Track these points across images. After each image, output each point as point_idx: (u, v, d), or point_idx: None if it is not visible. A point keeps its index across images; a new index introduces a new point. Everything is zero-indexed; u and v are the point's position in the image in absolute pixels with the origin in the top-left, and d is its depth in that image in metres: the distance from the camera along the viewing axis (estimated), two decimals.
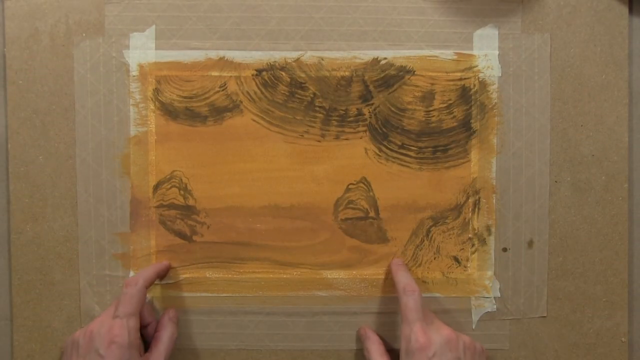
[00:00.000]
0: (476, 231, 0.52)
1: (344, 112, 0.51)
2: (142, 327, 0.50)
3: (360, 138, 0.51)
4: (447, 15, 0.51)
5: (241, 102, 0.51)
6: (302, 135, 0.51)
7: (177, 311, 0.51)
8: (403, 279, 0.48)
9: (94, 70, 0.51)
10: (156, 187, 0.52)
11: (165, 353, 0.48)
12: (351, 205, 0.52)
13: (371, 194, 0.52)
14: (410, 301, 0.46)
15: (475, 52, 0.51)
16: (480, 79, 0.51)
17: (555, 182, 0.52)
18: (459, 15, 0.51)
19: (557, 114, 0.51)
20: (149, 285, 0.48)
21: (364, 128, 0.51)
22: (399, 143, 0.52)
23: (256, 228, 0.52)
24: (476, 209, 0.52)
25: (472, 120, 0.51)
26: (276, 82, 0.51)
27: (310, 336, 0.52)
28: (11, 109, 0.51)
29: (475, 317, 0.52)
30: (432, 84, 0.51)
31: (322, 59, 0.51)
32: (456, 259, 0.52)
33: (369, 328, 0.51)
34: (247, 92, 0.51)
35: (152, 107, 0.51)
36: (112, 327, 0.45)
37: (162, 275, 0.51)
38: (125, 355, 0.44)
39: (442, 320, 0.52)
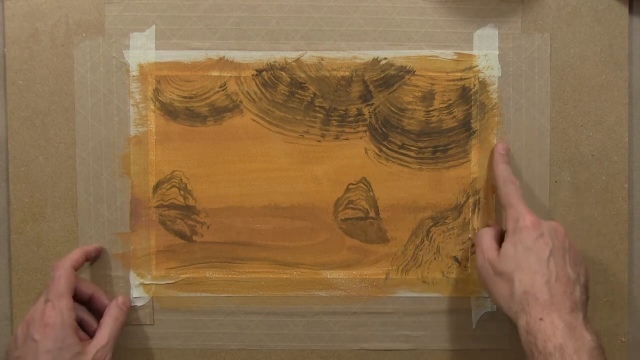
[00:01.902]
0: (476, 231, 0.52)
1: (344, 112, 0.51)
2: (83, 306, 0.49)
3: (360, 138, 0.51)
4: (447, 15, 0.51)
5: (241, 102, 0.51)
6: (302, 135, 0.51)
7: (127, 298, 0.51)
8: (504, 172, 0.49)
9: (94, 70, 0.51)
10: (156, 187, 0.52)
11: (107, 337, 0.47)
12: (351, 205, 0.52)
13: (371, 194, 0.52)
14: (511, 189, 0.47)
15: (475, 52, 0.51)
16: (480, 79, 0.51)
17: (555, 182, 0.51)
18: (459, 15, 0.51)
19: (557, 114, 0.51)
20: (78, 266, 0.48)
21: (364, 128, 0.51)
22: (399, 143, 0.52)
23: (256, 228, 0.52)
24: (476, 209, 0.52)
25: (472, 120, 0.51)
26: (276, 82, 0.51)
27: (310, 336, 0.52)
28: (11, 109, 0.51)
29: (475, 317, 0.52)
30: (432, 84, 0.51)
31: (322, 59, 0.51)
32: (456, 259, 0.52)
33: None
34: (247, 92, 0.51)
35: (152, 107, 0.51)
36: (44, 311, 0.45)
37: (92, 257, 0.50)
38: (59, 335, 0.44)
39: (442, 320, 0.52)
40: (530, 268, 0.44)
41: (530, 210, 0.46)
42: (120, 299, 0.50)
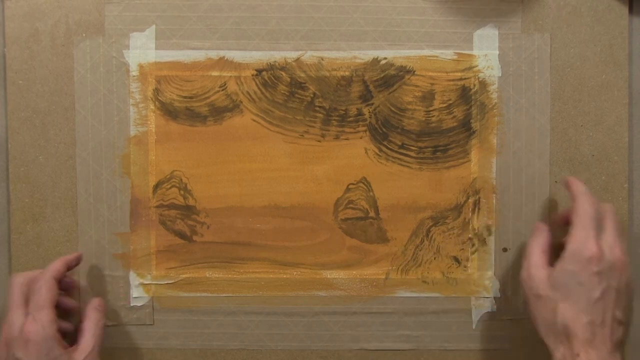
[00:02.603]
0: (476, 231, 0.52)
1: (344, 112, 0.51)
2: (66, 317, 0.49)
3: (360, 138, 0.51)
4: (447, 15, 0.51)
5: (241, 102, 0.51)
6: (302, 135, 0.51)
7: (102, 300, 0.50)
8: (584, 190, 0.45)
9: (94, 70, 0.51)
10: (156, 187, 0.52)
11: (93, 341, 0.47)
12: (351, 205, 0.52)
13: (371, 194, 0.52)
14: (591, 210, 0.44)
15: (475, 52, 0.51)
16: (480, 79, 0.51)
17: (555, 182, 0.52)
18: (459, 15, 0.51)
19: (557, 114, 0.51)
20: (58, 276, 0.46)
21: (364, 128, 0.51)
22: (399, 143, 0.52)
23: (256, 228, 0.52)
24: (476, 209, 0.52)
25: (472, 120, 0.51)
26: (276, 82, 0.51)
27: (310, 336, 0.52)
28: (11, 109, 0.51)
29: (475, 317, 0.52)
30: (432, 84, 0.51)
31: (322, 59, 0.51)
32: (456, 259, 0.52)
33: (544, 222, 0.48)
34: (247, 92, 0.51)
35: (152, 107, 0.51)
36: (24, 326, 0.43)
37: (72, 266, 0.49)
38: (43, 349, 0.43)
39: (442, 320, 0.52)
40: (577, 304, 0.42)
41: (597, 239, 0.43)
42: (96, 302, 0.49)
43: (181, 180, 0.52)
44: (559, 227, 0.48)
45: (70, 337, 0.48)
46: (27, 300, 0.45)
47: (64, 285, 0.49)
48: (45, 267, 0.51)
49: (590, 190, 0.46)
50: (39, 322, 0.44)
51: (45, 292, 0.45)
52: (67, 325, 0.49)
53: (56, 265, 0.47)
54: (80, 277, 0.51)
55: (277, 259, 0.52)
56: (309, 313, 0.52)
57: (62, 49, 0.51)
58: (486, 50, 0.51)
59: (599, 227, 0.44)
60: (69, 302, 0.49)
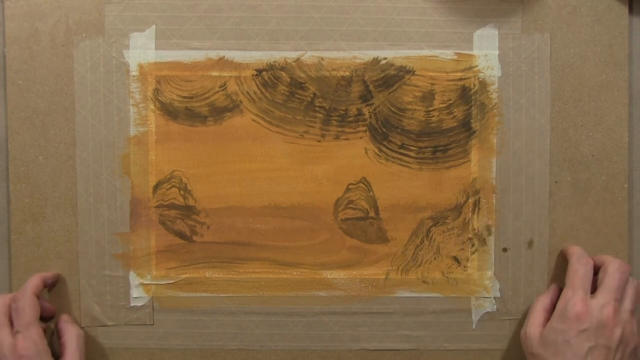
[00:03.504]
0: (476, 231, 0.52)
1: (344, 112, 0.51)
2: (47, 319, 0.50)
3: (360, 138, 0.51)
4: (447, 15, 0.51)
5: (241, 102, 0.51)
6: (302, 135, 0.51)
7: (70, 315, 0.51)
8: (579, 251, 0.48)
9: (94, 70, 0.51)
10: (156, 187, 0.52)
11: (78, 352, 0.48)
12: (351, 205, 0.52)
13: (371, 194, 0.52)
14: (581, 269, 0.46)
15: (475, 52, 0.51)
16: (480, 79, 0.51)
17: (555, 182, 0.52)
18: (459, 15, 0.51)
19: (557, 114, 0.51)
20: (38, 292, 0.48)
21: (364, 128, 0.51)
22: (399, 143, 0.52)
23: (256, 228, 0.52)
24: (476, 209, 0.52)
25: (472, 120, 0.51)
26: (276, 82, 0.51)
27: (310, 336, 0.52)
28: (11, 109, 0.51)
29: (475, 317, 0.52)
30: (432, 84, 0.51)
31: (322, 59, 0.51)
32: (456, 259, 0.52)
33: (557, 285, 0.50)
34: (247, 92, 0.51)
35: (152, 107, 0.51)
36: (16, 344, 0.45)
37: (50, 283, 0.50)
38: None
39: (442, 320, 0.52)
40: None
41: (585, 297, 0.45)
42: (64, 317, 0.50)
43: (181, 180, 0.52)
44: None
45: None
46: (10, 320, 0.47)
47: (41, 311, 0.49)
48: (45, 267, 0.51)
49: (587, 253, 0.48)
50: (30, 339, 0.45)
51: (29, 310, 0.46)
52: (43, 326, 0.49)
53: (34, 282, 0.48)
54: (80, 277, 0.51)
55: (277, 259, 0.52)
56: (309, 313, 0.52)
57: (62, 49, 0.51)
58: (486, 50, 0.51)
59: (587, 288, 0.46)
60: (45, 305, 0.50)
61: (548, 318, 0.47)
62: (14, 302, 0.47)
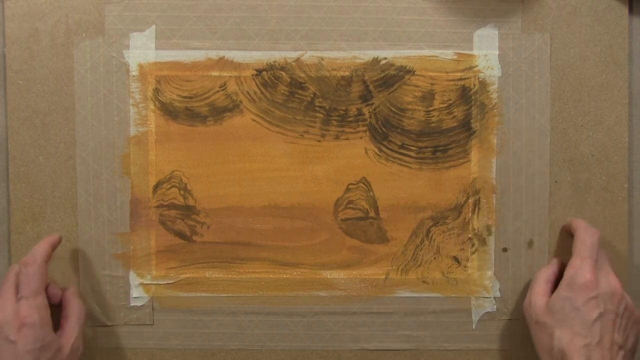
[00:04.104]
0: (476, 231, 0.52)
1: (344, 112, 0.51)
2: (51, 306, 0.48)
3: (360, 138, 0.51)
4: (447, 15, 0.51)
5: (241, 102, 0.51)
6: (302, 135, 0.51)
7: (76, 288, 0.50)
8: (585, 223, 0.48)
9: (94, 70, 0.51)
10: (156, 187, 0.52)
11: (78, 327, 0.47)
12: (351, 205, 0.52)
13: (371, 194, 0.52)
14: (588, 239, 0.46)
15: (475, 52, 0.51)
16: (480, 79, 0.51)
17: (555, 182, 0.52)
18: (459, 15, 0.51)
19: (557, 114, 0.51)
20: (47, 259, 0.46)
21: (364, 128, 0.51)
22: (399, 143, 0.52)
23: (256, 228, 0.52)
24: (476, 209, 0.52)
25: (472, 120, 0.51)
26: (276, 82, 0.51)
27: (310, 336, 0.52)
28: (11, 109, 0.51)
29: (475, 317, 0.52)
30: (432, 84, 0.51)
31: (322, 59, 0.51)
32: (456, 259, 0.52)
33: (559, 258, 0.51)
34: (247, 92, 0.51)
35: (152, 107, 0.51)
36: (19, 310, 0.43)
37: (55, 245, 0.48)
38: (40, 334, 0.43)
39: (442, 320, 0.52)
40: (573, 328, 0.44)
41: (594, 266, 0.45)
42: (71, 289, 0.49)
43: (181, 180, 0.52)
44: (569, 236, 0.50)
45: None
46: (17, 286, 0.45)
47: (48, 294, 0.48)
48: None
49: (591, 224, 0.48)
50: (35, 307, 0.44)
51: (38, 278, 0.45)
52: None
53: (43, 249, 0.46)
54: (80, 277, 0.51)
55: (277, 259, 0.52)
56: (309, 313, 0.52)
57: (62, 49, 0.51)
58: (486, 50, 0.51)
59: (598, 260, 0.46)
60: (54, 290, 0.49)
61: (551, 289, 0.47)
62: (23, 267, 0.45)
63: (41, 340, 0.43)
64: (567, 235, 0.51)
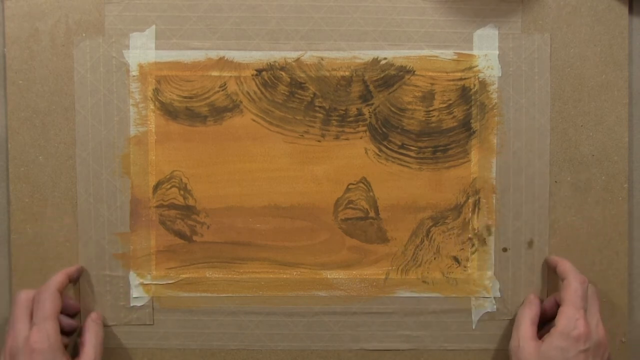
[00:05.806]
0: (476, 231, 0.52)
1: (344, 112, 0.51)
2: (68, 332, 0.49)
3: (360, 138, 0.51)
4: (447, 15, 0.51)
5: (241, 102, 0.51)
6: (302, 135, 0.51)
7: (100, 313, 0.51)
8: (573, 268, 0.49)
9: (94, 70, 0.51)
10: (156, 187, 0.52)
11: (94, 353, 0.47)
12: (351, 205, 0.52)
13: (371, 194, 0.52)
14: (580, 288, 0.47)
15: (475, 52, 0.51)
16: (480, 79, 0.51)
17: (555, 182, 0.52)
18: (459, 15, 0.51)
19: (557, 114, 0.51)
20: (61, 288, 0.48)
21: (364, 128, 0.51)
22: (399, 143, 0.52)
23: (256, 228, 0.52)
24: (476, 209, 0.52)
25: (472, 120, 0.51)
26: (276, 82, 0.51)
27: (310, 336, 0.52)
28: (11, 109, 0.51)
29: (475, 317, 0.52)
30: (432, 84, 0.51)
31: (322, 59, 0.51)
32: (456, 259, 0.52)
33: (535, 295, 0.51)
34: (247, 92, 0.51)
35: (152, 107, 0.51)
36: (30, 336, 0.44)
37: (74, 277, 0.50)
38: (48, 359, 0.44)
39: (442, 320, 0.52)
40: None
41: (587, 318, 0.46)
42: (93, 315, 0.50)
43: (181, 180, 0.52)
44: (553, 272, 0.51)
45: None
46: (31, 313, 0.46)
47: (65, 306, 0.49)
48: (45, 267, 0.51)
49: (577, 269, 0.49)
50: (44, 333, 0.45)
51: (49, 304, 0.46)
52: (65, 340, 0.49)
53: (59, 277, 0.48)
54: (80, 277, 0.51)
55: (277, 259, 0.52)
56: (309, 313, 0.52)
57: (62, 49, 0.51)
58: (486, 50, 0.51)
59: (586, 307, 0.47)
60: (69, 321, 0.49)
61: (536, 331, 0.48)
62: (37, 295, 0.47)
63: None
64: (551, 270, 0.51)
